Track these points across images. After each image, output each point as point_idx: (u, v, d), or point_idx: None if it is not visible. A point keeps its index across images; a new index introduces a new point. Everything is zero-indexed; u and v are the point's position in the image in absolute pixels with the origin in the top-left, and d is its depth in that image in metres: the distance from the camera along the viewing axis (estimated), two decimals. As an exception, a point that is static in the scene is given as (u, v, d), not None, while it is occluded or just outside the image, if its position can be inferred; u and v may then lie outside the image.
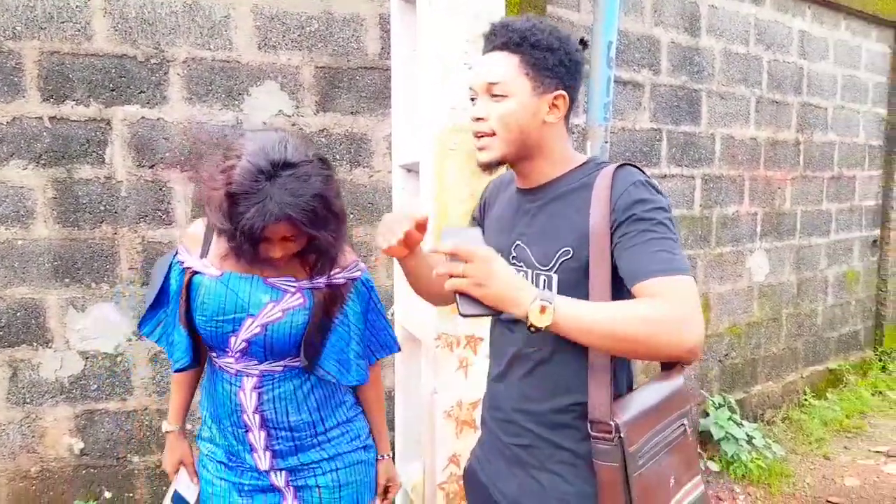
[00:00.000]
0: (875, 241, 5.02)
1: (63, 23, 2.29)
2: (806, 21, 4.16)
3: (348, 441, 1.54)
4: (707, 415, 3.70)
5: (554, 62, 1.18)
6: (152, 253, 2.46)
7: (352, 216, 2.59)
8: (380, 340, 1.61)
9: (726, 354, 3.97)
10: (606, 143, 2.60)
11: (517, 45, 1.18)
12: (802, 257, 4.42)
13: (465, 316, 1.04)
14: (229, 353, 1.41)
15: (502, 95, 1.19)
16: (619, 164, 1.20)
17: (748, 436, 3.65)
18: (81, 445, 2.47)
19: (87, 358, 2.45)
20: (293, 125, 2.52)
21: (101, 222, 2.41)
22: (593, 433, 1.12)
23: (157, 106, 2.40)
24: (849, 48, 4.50)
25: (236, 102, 2.47)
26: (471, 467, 1.42)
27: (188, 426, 1.74)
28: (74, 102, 2.33)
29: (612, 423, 1.10)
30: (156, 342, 1.56)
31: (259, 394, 1.41)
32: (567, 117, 1.25)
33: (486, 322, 1.84)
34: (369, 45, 2.57)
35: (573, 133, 3.00)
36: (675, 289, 1.03)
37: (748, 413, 4.05)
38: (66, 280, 2.40)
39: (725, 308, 3.93)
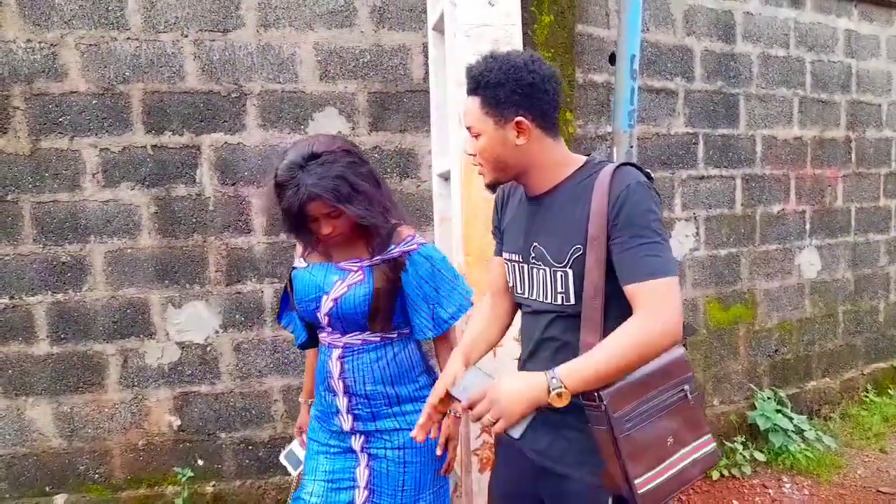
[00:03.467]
0: (944, 237, 4.89)
1: (161, 67, 2.76)
2: (853, 20, 4.19)
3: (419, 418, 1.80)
4: (755, 407, 3.79)
5: (504, 95, 1.35)
6: (235, 257, 2.88)
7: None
8: (452, 302, 1.79)
9: (776, 350, 4.04)
10: (632, 147, 2.83)
11: (474, 90, 1.40)
12: (859, 254, 4.41)
13: (521, 436, 1.29)
14: (323, 329, 1.78)
15: (477, 134, 1.42)
16: (618, 164, 1.37)
17: (797, 428, 3.71)
18: (179, 422, 2.91)
19: (183, 348, 2.89)
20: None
21: (193, 232, 2.86)
22: (584, 402, 1.30)
23: (238, 133, 2.84)
24: (903, 43, 4.48)
25: (302, 126, 2.87)
26: None
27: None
28: (171, 133, 2.80)
29: (595, 394, 1.27)
30: (291, 332, 1.97)
31: (342, 362, 1.74)
32: (546, 129, 1.40)
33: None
34: (414, 71, 2.92)
35: (606, 140, 3.24)
36: (654, 292, 1.26)
37: (803, 408, 4.09)
38: (166, 282, 2.85)
39: (774, 304, 4.01)
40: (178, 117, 2.80)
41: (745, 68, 3.76)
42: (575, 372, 1.24)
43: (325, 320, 1.74)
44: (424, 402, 1.74)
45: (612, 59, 3.17)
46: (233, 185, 2.86)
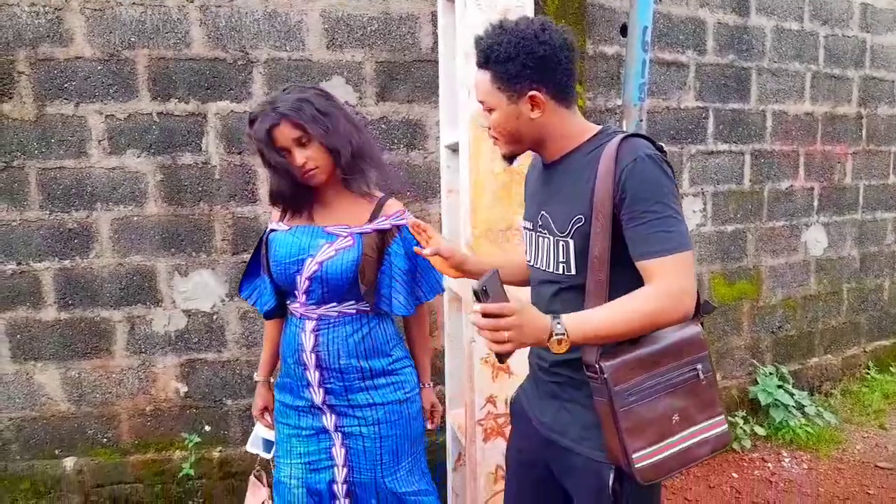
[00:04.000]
0: (952, 216, 4.87)
1: (167, 33, 2.73)
2: (869, -7, 4.12)
3: (392, 391, 1.80)
4: (757, 383, 3.81)
5: (516, 69, 1.32)
6: (241, 227, 2.88)
7: (409, 194, 2.92)
8: (427, 282, 1.86)
9: (780, 326, 4.05)
10: (641, 121, 2.80)
11: (485, 63, 1.37)
12: (866, 232, 4.39)
13: (503, 362, 1.24)
14: (297, 298, 1.74)
15: (490, 109, 1.40)
16: (625, 135, 1.32)
17: (798, 403, 3.74)
18: (186, 389, 2.94)
19: (189, 315, 2.91)
20: (357, 114, 2.87)
21: (200, 201, 2.85)
22: (587, 374, 1.32)
23: (244, 101, 2.81)
24: (919, 18, 4.40)
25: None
26: (517, 398, 1.68)
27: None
28: (177, 100, 2.78)
29: (597, 365, 1.28)
30: (252, 304, 1.92)
31: (316, 336, 1.72)
32: (562, 100, 1.38)
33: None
34: (423, 41, 2.88)
35: (616, 114, 3.20)
36: (668, 268, 1.24)
37: (804, 384, 4.11)
38: (172, 250, 2.86)
39: (779, 281, 4.01)
40: (183, 84, 2.77)
41: (758, 42, 3.70)
42: (580, 323, 1.23)
43: (304, 285, 1.70)
44: (397, 375, 1.80)
45: (624, 30, 3.12)
46: (239, 153, 2.85)
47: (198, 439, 2.90)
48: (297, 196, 1.70)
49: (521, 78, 1.33)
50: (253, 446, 2.05)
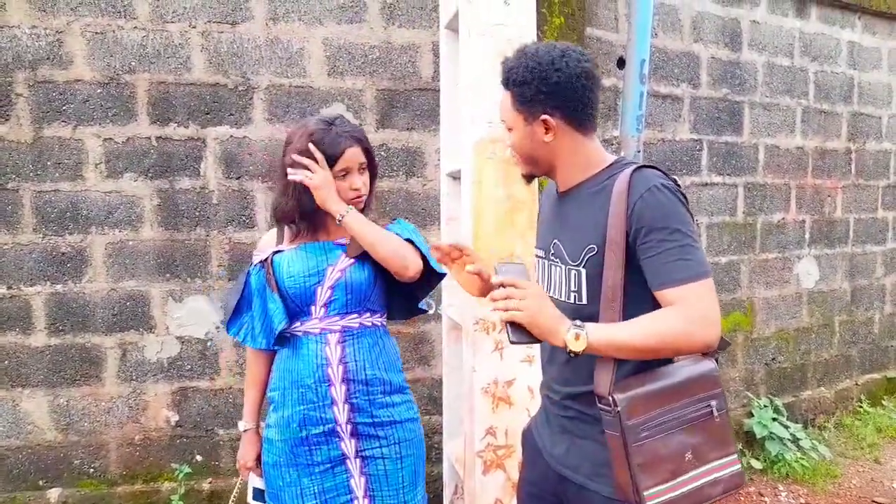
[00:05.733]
0: (939, 250, 4.94)
1: (168, 58, 2.73)
2: (856, 32, 4.22)
3: (407, 409, 1.80)
4: (752, 415, 3.80)
5: (531, 94, 1.36)
6: (238, 252, 2.86)
7: (407, 221, 2.91)
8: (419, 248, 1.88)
9: (773, 358, 4.05)
10: (639, 152, 2.83)
11: (506, 85, 1.41)
12: (856, 265, 4.44)
13: (513, 343, 1.25)
14: (313, 315, 1.72)
15: (510, 128, 1.44)
16: (637, 166, 1.33)
17: (793, 437, 3.72)
18: (177, 418, 2.88)
19: (182, 342, 2.86)
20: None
21: (196, 226, 2.82)
22: (600, 406, 1.30)
23: (244, 126, 2.81)
24: (904, 56, 4.52)
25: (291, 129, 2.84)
26: (528, 430, 1.65)
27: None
28: (176, 124, 2.77)
29: (610, 397, 1.26)
30: (241, 341, 1.87)
31: (343, 346, 1.71)
32: (577, 126, 1.39)
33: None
34: (423, 70, 2.91)
35: (612, 144, 3.24)
36: (688, 297, 1.23)
37: (798, 417, 4.10)
38: (167, 275, 2.82)
39: (772, 313, 4.02)
40: (183, 109, 2.77)
41: (750, 76, 3.77)
42: (600, 329, 1.24)
43: (325, 296, 1.71)
44: (408, 392, 1.83)
45: (621, 63, 3.18)
46: (237, 178, 2.83)
47: (188, 470, 2.82)
48: (316, 216, 1.74)
49: (535, 102, 1.37)
50: (256, 501, 1.91)
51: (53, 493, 2.78)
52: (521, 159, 1.47)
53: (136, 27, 2.70)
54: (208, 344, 2.88)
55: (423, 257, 1.78)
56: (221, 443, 2.91)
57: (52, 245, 2.73)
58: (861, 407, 4.48)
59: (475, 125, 2.16)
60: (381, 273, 1.76)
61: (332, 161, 1.68)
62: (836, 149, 4.22)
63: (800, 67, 3.96)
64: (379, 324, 1.81)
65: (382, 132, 2.90)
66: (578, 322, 1.24)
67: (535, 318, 1.23)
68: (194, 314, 2.86)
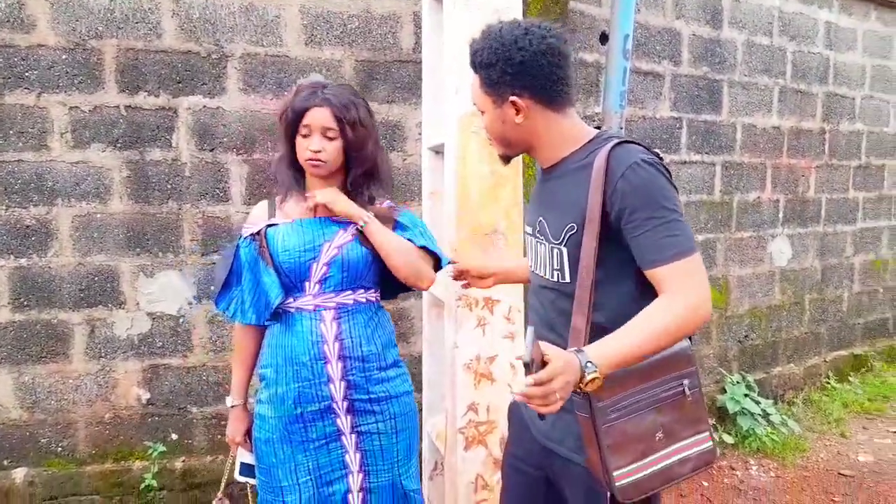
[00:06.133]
0: (906, 231, 5.05)
1: (137, 23, 2.61)
2: (833, 12, 4.24)
3: (401, 382, 1.80)
4: (725, 391, 3.86)
5: (496, 76, 1.32)
6: (211, 226, 2.77)
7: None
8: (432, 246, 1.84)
9: (746, 336, 4.12)
10: (621, 129, 2.80)
11: (474, 67, 1.38)
12: (827, 244, 4.51)
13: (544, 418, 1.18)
14: (307, 291, 1.68)
15: (481, 111, 1.42)
16: (616, 141, 1.30)
17: (764, 412, 3.80)
18: (148, 396, 2.81)
19: (153, 319, 2.78)
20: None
21: (168, 199, 2.73)
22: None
23: (217, 96, 2.71)
24: (879, 38, 4.56)
25: (285, 92, 2.75)
26: (515, 403, 1.65)
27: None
28: (146, 93, 2.66)
29: None
30: (230, 316, 1.81)
31: (338, 323, 1.69)
32: (549, 104, 1.35)
33: (502, 285, 2.09)
34: (404, 41, 2.83)
35: (594, 120, 3.21)
36: (680, 275, 1.21)
37: (768, 393, 4.18)
38: (138, 250, 2.73)
39: (746, 291, 4.08)
40: (154, 77, 2.66)
41: (729, 55, 3.77)
42: (607, 356, 1.16)
43: (320, 272, 1.68)
44: (402, 367, 1.83)
45: (603, 38, 3.14)
46: (211, 150, 2.74)
47: (162, 448, 2.76)
48: (286, 180, 1.75)
49: (502, 84, 1.33)
50: (243, 476, 1.89)
51: (19, 473, 2.70)
52: (496, 141, 1.44)
53: (102, -11, 2.58)
54: (181, 320, 2.81)
55: (433, 253, 1.80)
56: (195, 421, 2.85)
57: (15, 217, 2.62)
58: (829, 383, 4.58)
59: (459, 98, 2.11)
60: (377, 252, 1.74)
61: (297, 118, 1.66)
62: (811, 129, 4.26)
63: (778, 47, 3.97)
64: (374, 299, 1.79)
65: (280, 103, 2.82)
66: (589, 362, 1.14)
67: (568, 392, 1.14)
68: (166, 290, 2.78)
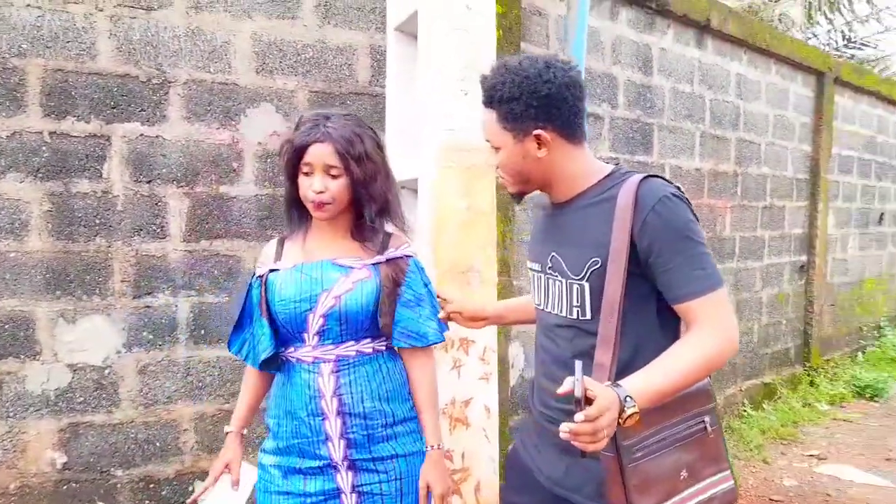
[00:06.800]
0: (802, 266, 5.48)
1: (68, 42, 2.37)
2: (742, 65, 4.60)
3: (413, 442, 1.62)
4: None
5: (521, 109, 1.29)
6: (145, 266, 2.52)
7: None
8: (437, 317, 1.68)
9: (676, 369, 4.25)
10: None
11: (489, 103, 1.34)
12: (740, 279, 4.80)
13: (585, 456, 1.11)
14: (306, 342, 1.55)
15: (496, 147, 1.36)
16: (643, 175, 1.31)
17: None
18: (64, 459, 2.47)
19: (74, 370, 2.46)
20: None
21: (96, 235, 2.46)
22: None
23: (157, 124, 2.49)
24: (778, 90, 4.98)
25: (233, 122, 2.58)
26: (515, 449, 1.56)
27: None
28: (75, 119, 2.40)
29: None
30: (244, 359, 1.70)
31: (337, 377, 1.54)
32: (569, 138, 1.33)
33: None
34: (360, 73, 2.75)
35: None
36: (710, 309, 1.23)
37: (696, 424, 4.32)
38: (58, 292, 2.42)
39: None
40: (85, 101, 2.40)
41: (658, 100, 3.97)
42: (644, 391, 1.15)
43: (317, 324, 1.54)
44: (416, 422, 1.65)
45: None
46: (148, 182, 2.50)
47: (82, 520, 2.43)
48: (293, 219, 1.63)
49: (526, 117, 1.30)
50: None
51: None
52: (512, 179, 1.39)
53: (28, 5, 2.31)
54: (106, 372, 2.50)
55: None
56: (119, 486, 2.53)
57: None
58: (745, 411, 4.82)
59: (436, 132, 2.05)
60: (390, 297, 1.60)
61: (297, 156, 1.52)
62: (727, 171, 4.55)
63: (698, 94, 4.23)
64: (382, 349, 1.63)
65: (281, 137, 2.69)
66: (628, 397, 1.12)
67: (611, 435, 1.11)
68: (90, 337, 2.47)
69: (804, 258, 5.47)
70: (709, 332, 1.21)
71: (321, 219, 1.57)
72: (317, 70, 2.68)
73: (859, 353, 6.33)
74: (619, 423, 1.11)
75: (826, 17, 10.11)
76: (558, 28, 3.22)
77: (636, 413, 1.11)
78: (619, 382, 1.15)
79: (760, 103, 4.80)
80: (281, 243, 1.67)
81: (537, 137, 1.31)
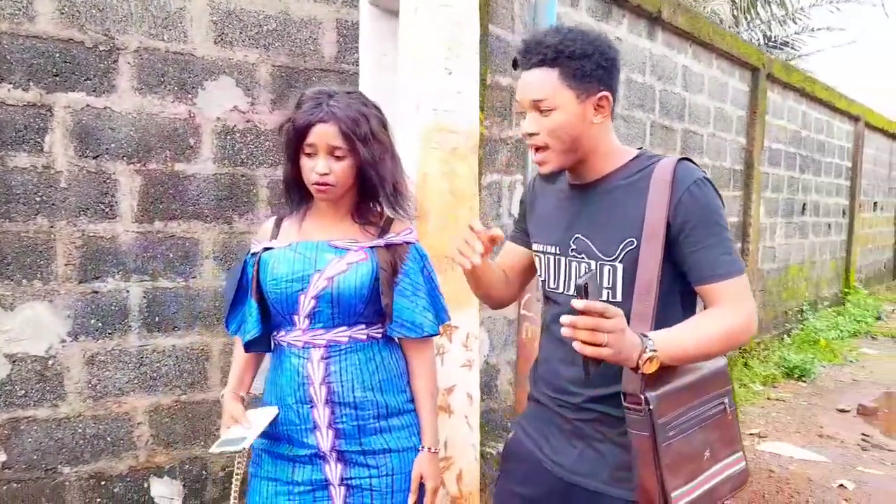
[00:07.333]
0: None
1: (2, 2, 2.14)
2: (688, 58, 4.71)
3: (408, 437, 1.54)
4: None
5: (591, 67, 1.27)
6: (92, 248, 2.33)
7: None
8: (441, 302, 1.61)
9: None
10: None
11: (553, 60, 1.27)
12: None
13: (589, 375, 1.11)
14: (297, 325, 1.47)
15: (549, 109, 1.28)
16: (678, 158, 1.31)
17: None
18: (4, 458, 2.26)
19: (14, 361, 2.26)
20: (248, 122, 2.51)
21: (37, 214, 2.25)
22: (626, 404, 1.21)
23: (105, 94, 2.30)
24: (719, 84, 5.15)
25: (190, 95, 2.42)
26: (516, 438, 1.51)
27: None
28: (12, 86, 2.18)
29: (642, 395, 1.18)
30: (240, 338, 1.60)
31: (326, 364, 1.46)
32: (613, 113, 1.34)
33: (462, 310, 1.96)
34: (325, 48, 2.63)
35: (507, 143, 3.22)
36: (735, 291, 1.24)
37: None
38: (-7, 277, 2.21)
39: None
40: (22, 68, 2.19)
41: (613, 88, 4.01)
42: (669, 342, 1.16)
43: (308, 306, 1.46)
44: (412, 415, 1.58)
45: (516, 63, 3.17)
46: (94, 158, 2.31)
47: (24, 523, 2.23)
48: (293, 200, 1.55)
49: (594, 77, 1.28)
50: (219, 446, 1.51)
51: None
52: (563, 146, 1.30)
53: (-42, -45, 2.08)
54: (50, 362, 2.31)
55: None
56: (67, 484, 2.35)
57: None
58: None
59: (420, 112, 1.98)
60: (377, 281, 1.51)
61: (300, 136, 1.43)
62: (673, 161, 4.67)
63: (649, 85, 4.31)
64: (378, 336, 1.54)
65: (278, 114, 2.56)
66: (650, 340, 1.13)
67: (620, 355, 1.09)
68: (31, 325, 2.27)
69: (739, 245, 5.71)
70: (732, 311, 1.23)
71: (323, 200, 1.50)
72: (279, 43, 2.54)
73: (785, 336, 6.68)
74: (637, 367, 1.11)
75: (746, 17, 10.58)
76: (523, 12, 3.19)
77: (656, 357, 1.12)
78: (649, 333, 1.17)
79: (703, 96, 4.95)
80: (278, 223, 1.58)
81: (602, 99, 1.29)
